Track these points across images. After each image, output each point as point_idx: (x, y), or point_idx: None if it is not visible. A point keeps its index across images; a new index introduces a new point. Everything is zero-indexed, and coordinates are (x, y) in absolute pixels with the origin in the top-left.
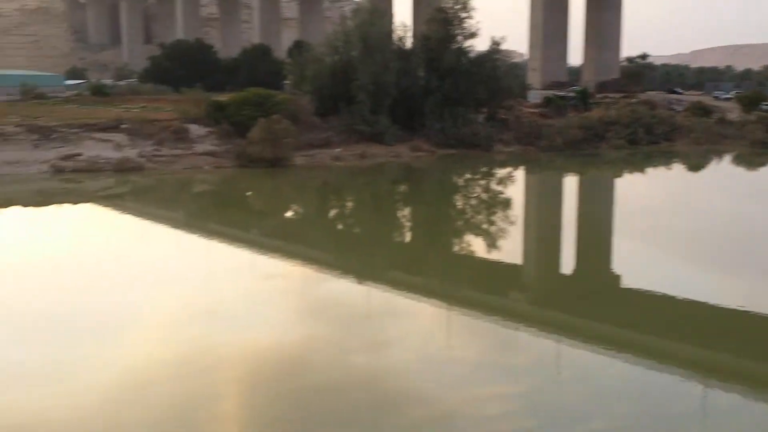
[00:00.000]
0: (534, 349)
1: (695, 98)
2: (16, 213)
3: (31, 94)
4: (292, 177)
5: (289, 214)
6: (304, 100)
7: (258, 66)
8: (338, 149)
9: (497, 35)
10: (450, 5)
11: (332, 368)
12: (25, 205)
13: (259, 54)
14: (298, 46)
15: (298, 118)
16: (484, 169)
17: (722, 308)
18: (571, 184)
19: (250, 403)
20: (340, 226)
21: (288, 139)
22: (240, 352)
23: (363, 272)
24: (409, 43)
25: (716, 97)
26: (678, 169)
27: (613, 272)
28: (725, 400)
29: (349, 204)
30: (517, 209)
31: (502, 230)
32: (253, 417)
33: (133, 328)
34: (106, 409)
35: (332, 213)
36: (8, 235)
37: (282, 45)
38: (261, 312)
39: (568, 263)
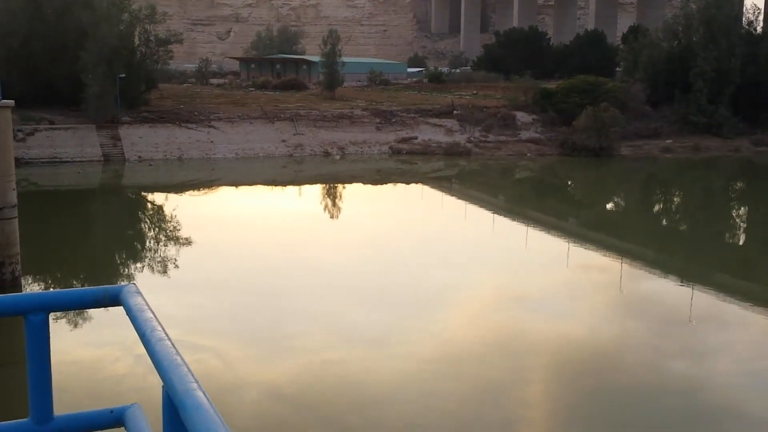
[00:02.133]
0: None
1: None
2: (357, 189)
3: (377, 80)
4: (616, 167)
5: (609, 205)
6: (635, 88)
7: (590, 53)
8: (668, 140)
9: None
10: None
11: (647, 371)
12: (365, 182)
13: (592, 40)
14: (634, 32)
15: (627, 106)
16: None
17: None
18: None
19: (556, 394)
20: (664, 222)
21: (615, 128)
22: (550, 341)
23: (686, 272)
24: (759, 27)
25: None
26: None
27: None
28: None
29: (677, 199)
30: None
31: None
32: (557, 409)
33: (450, 306)
34: (422, 377)
35: (657, 207)
36: (348, 209)
37: (618, 31)
38: (574, 304)
39: None
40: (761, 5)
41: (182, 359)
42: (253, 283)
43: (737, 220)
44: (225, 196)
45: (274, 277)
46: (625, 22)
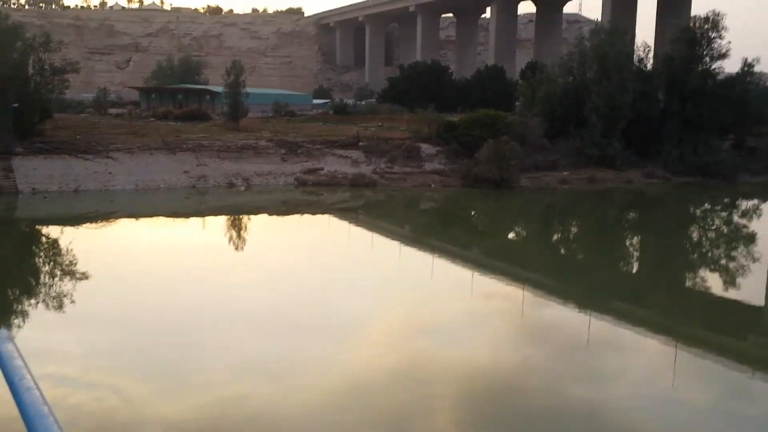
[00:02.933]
0: None
1: None
2: (262, 220)
3: (282, 111)
4: (516, 198)
5: (511, 235)
6: (533, 122)
7: (490, 87)
8: (565, 172)
9: (751, 56)
10: (698, 24)
11: (548, 395)
12: (271, 213)
13: (492, 75)
14: (532, 67)
15: (526, 139)
16: (727, 200)
17: None
18: None
19: (464, 421)
20: (563, 251)
21: (514, 160)
22: (457, 369)
23: (584, 300)
24: (649, 64)
25: None
26: None
27: None
28: None
29: (574, 229)
30: (763, 246)
31: (743, 267)
32: None
33: (356, 335)
34: (328, 408)
35: (556, 237)
36: (254, 241)
37: (516, 67)
38: (479, 331)
39: None
40: (651, 43)
41: (50, 410)
42: (155, 317)
43: (630, 249)
44: (124, 229)
45: (177, 310)
46: (524, 58)
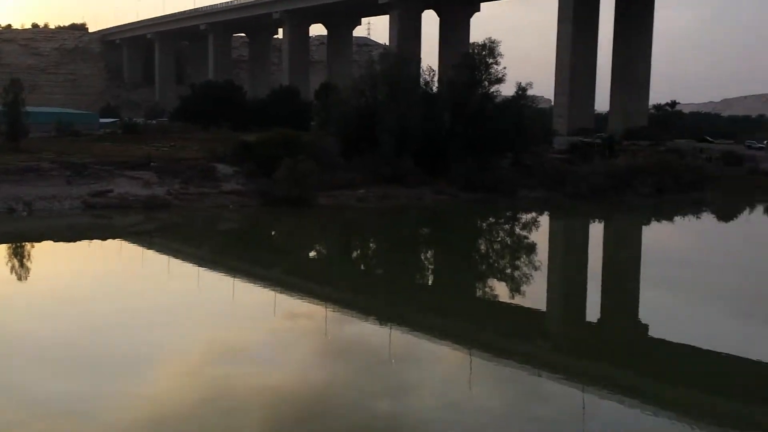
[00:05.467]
0: (559, 398)
1: (726, 147)
2: (46, 248)
3: (66, 131)
4: (315, 217)
5: (312, 253)
6: (328, 141)
7: (285, 107)
8: (361, 190)
9: (524, 80)
10: (476, 51)
11: (353, 412)
12: (56, 240)
13: (287, 95)
14: (325, 89)
15: (322, 158)
16: (509, 213)
17: (756, 362)
18: (596, 231)
19: None
20: (362, 267)
21: (311, 179)
22: (261, 394)
23: (385, 314)
24: (435, 87)
25: (749, 147)
26: (707, 218)
27: (640, 321)
28: None
29: (372, 245)
30: (542, 254)
31: (527, 276)
32: None
33: (156, 366)
34: None
35: (355, 254)
36: (38, 270)
37: (310, 87)
38: (282, 353)
39: (593, 311)
40: (436, 67)
41: None
42: None
43: (426, 263)
44: None
45: None
46: (317, 79)
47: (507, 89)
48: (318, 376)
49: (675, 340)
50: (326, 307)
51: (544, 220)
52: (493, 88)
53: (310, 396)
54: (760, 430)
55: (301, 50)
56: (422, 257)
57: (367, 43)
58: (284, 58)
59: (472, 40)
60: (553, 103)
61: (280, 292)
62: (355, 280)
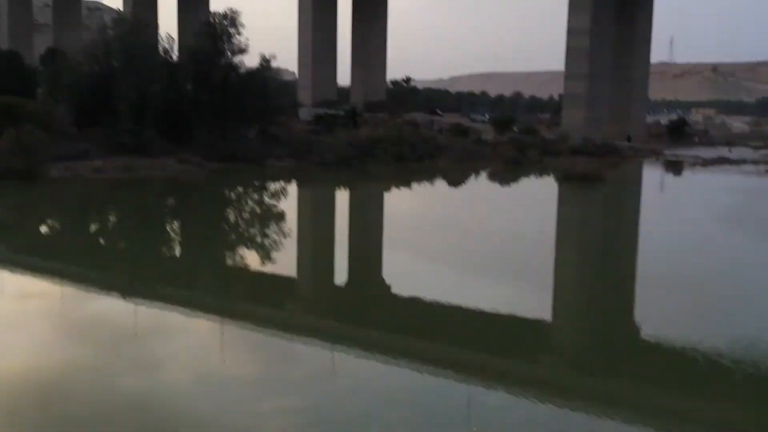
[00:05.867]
0: (312, 360)
1: (454, 120)
2: None
3: None
4: (47, 190)
5: (44, 229)
6: (59, 110)
7: (5, 73)
8: (99, 161)
9: (268, 52)
10: (217, 20)
11: (98, 394)
12: None
13: (7, 60)
14: (52, 54)
15: (52, 128)
16: (257, 183)
17: (483, 312)
18: (342, 198)
19: None
20: (102, 241)
21: (40, 150)
22: None
23: (129, 288)
24: (175, 56)
25: (473, 120)
26: (440, 184)
27: (384, 282)
28: (491, 399)
29: (112, 218)
30: (291, 222)
31: (277, 243)
32: None
33: None
34: None
35: (93, 227)
36: None
37: (34, 51)
38: (16, 337)
39: (341, 274)
40: (175, 35)
41: None
42: None
43: (172, 234)
44: None
45: None
46: (42, 43)
47: (253, 62)
48: (54, 358)
49: (415, 296)
50: (62, 285)
51: (293, 188)
52: (236, 59)
53: (47, 381)
54: (488, 372)
55: (22, 11)
56: (168, 228)
57: (99, 7)
58: (2, 20)
59: (212, 9)
60: (297, 76)
61: (9, 272)
62: (94, 255)
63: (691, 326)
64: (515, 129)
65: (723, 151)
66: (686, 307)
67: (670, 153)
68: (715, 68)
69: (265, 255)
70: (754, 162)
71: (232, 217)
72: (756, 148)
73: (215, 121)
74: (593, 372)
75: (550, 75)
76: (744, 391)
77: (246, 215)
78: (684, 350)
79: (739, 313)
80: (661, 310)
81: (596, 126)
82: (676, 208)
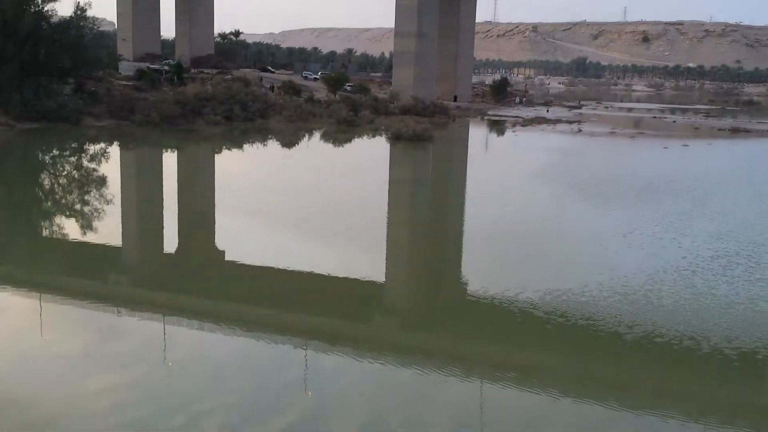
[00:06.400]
0: (141, 333)
1: (286, 77)
2: None
3: None
4: None
5: None
6: None
7: None
8: None
9: (83, 0)
10: None
11: None
12: None
13: None
14: None
15: None
16: (74, 144)
17: (319, 274)
18: (170, 160)
19: None
20: None
21: None
22: None
23: None
24: None
25: (305, 77)
26: (273, 145)
27: (217, 248)
28: (327, 363)
29: None
30: (114, 188)
31: (99, 211)
32: None
33: None
34: None
35: None
36: None
37: None
38: None
39: (171, 242)
40: None
41: None
42: None
43: None
44: None
45: None
46: None
47: (66, 10)
48: None
49: (248, 263)
50: None
51: (114, 150)
52: (47, 7)
53: None
54: (326, 335)
55: None
56: None
57: None
58: None
59: None
60: (116, 26)
61: None
62: None
63: (508, 281)
64: (348, 88)
65: (541, 111)
66: (509, 261)
67: (494, 113)
68: (535, 28)
69: (86, 224)
70: (568, 121)
71: (47, 182)
72: (570, 108)
73: (25, 77)
74: (422, 328)
75: (382, 32)
76: (554, 336)
77: (63, 180)
78: (501, 304)
79: (551, 267)
80: (483, 267)
81: (426, 85)
82: (499, 167)
